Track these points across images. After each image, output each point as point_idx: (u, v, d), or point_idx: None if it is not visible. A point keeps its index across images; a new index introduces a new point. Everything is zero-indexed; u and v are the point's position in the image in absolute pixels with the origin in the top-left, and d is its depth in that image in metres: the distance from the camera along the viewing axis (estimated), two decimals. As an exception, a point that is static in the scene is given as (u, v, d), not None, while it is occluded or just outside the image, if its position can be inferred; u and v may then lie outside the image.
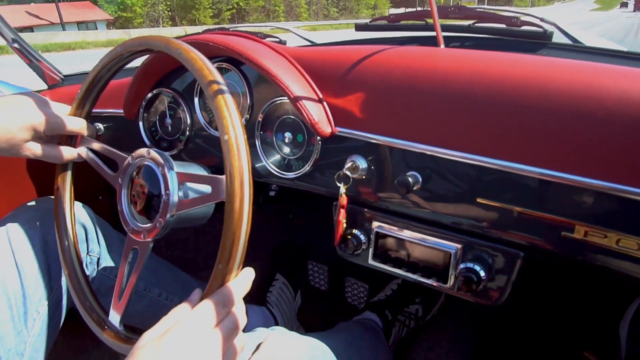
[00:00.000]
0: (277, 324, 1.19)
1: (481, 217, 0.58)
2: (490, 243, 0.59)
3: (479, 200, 0.57)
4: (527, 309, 1.03)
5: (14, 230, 0.78)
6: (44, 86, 1.12)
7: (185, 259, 1.42)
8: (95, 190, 1.22)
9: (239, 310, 0.53)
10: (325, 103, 0.67)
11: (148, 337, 0.49)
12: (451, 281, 0.62)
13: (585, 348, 0.91)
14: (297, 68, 0.69)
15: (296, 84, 0.66)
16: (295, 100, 0.65)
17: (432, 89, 0.58)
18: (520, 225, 0.55)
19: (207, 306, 0.50)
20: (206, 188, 0.56)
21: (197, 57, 0.56)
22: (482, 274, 0.59)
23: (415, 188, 0.60)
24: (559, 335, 1.01)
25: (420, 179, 0.60)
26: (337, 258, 0.73)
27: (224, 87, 0.54)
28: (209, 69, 0.55)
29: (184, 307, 0.52)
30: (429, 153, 0.59)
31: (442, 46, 0.68)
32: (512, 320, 1.06)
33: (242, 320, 0.53)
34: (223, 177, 0.53)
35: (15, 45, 1.05)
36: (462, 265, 0.60)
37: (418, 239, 0.64)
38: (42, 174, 1.09)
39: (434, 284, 0.64)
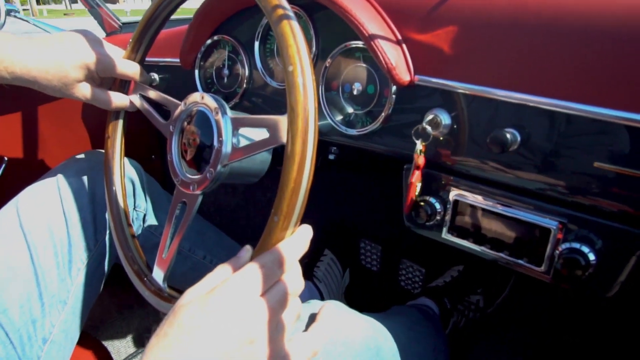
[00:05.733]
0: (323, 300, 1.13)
1: (598, 187, 0.46)
2: (604, 220, 0.47)
3: (597, 165, 0.45)
4: (617, 309, 0.89)
5: (64, 180, 0.77)
6: (103, 34, 1.10)
7: (234, 225, 1.38)
8: (148, 149, 1.20)
9: (295, 273, 0.46)
10: (404, 46, 0.57)
11: (192, 295, 0.43)
12: (546, 264, 0.51)
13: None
14: (373, 4, 0.59)
15: (372, 21, 0.57)
16: (370, 39, 0.55)
17: (548, 21, 0.47)
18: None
19: (259, 266, 0.43)
20: (263, 134, 0.49)
21: None
22: (592, 257, 0.47)
23: (511, 149, 0.50)
24: None
25: (519, 138, 0.49)
26: (392, 238, 0.64)
27: (291, 14, 0.46)
28: None
29: (232, 265, 0.45)
30: (531, 105, 0.48)
31: None
32: (594, 322, 0.92)
33: (298, 285, 0.46)
34: (284, 116, 0.45)
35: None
36: (564, 246, 0.49)
37: (507, 211, 0.54)
38: (98, 126, 1.08)
39: (525, 265, 0.53)
